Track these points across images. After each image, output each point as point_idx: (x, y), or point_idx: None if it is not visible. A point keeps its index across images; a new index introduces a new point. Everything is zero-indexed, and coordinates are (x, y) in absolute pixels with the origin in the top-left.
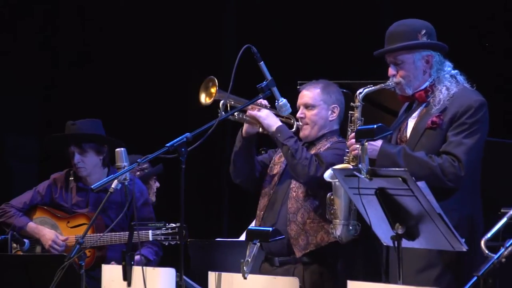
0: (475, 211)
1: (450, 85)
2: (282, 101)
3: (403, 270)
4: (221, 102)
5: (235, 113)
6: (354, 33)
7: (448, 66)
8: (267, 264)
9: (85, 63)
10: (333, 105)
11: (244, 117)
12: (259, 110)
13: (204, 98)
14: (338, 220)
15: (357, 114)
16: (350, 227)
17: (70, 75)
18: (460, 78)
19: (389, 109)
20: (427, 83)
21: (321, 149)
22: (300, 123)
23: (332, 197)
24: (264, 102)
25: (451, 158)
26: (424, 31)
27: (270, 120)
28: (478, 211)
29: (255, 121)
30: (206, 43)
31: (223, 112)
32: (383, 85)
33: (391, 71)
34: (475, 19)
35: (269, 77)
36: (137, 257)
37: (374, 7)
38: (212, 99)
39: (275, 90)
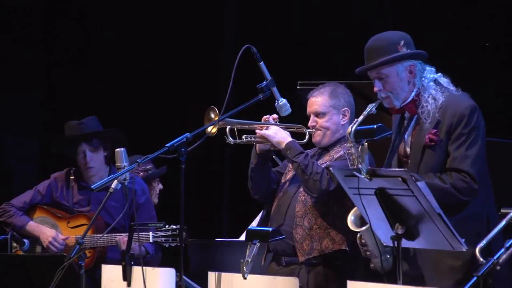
0: (490, 212)
1: (435, 94)
2: (282, 101)
3: (440, 282)
4: (227, 127)
5: (243, 137)
6: (354, 33)
7: (430, 72)
8: (274, 264)
9: (84, 63)
10: (344, 109)
11: (253, 138)
12: (267, 128)
13: (210, 128)
14: (376, 259)
15: (355, 153)
16: (388, 256)
17: (69, 76)
18: (444, 80)
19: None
20: (413, 94)
21: (334, 156)
22: (313, 130)
23: (362, 237)
24: (271, 117)
25: (462, 175)
26: (402, 42)
27: (279, 137)
28: (493, 211)
29: (265, 140)
30: (206, 43)
31: (230, 138)
32: (365, 113)
33: (376, 87)
34: (474, 19)
35: (269, 77)
36: (136, 246)
37: (374, 7)
38: (216, 127)
39: (275, 90)
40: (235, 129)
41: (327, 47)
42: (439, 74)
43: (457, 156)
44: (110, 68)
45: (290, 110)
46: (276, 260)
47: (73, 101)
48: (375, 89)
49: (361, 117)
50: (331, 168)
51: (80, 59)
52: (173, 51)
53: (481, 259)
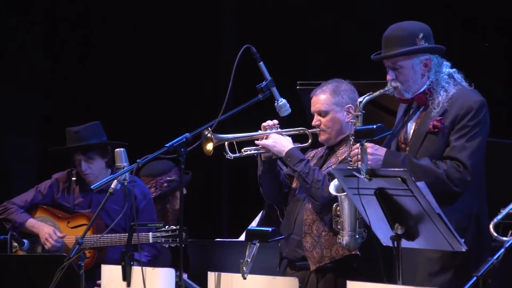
0: (481, 210)
1: (448, 86)
2: (282, 101)
3: (416, 273)
4: (226, 143)
5: (243, 150)
6: (354, 33)
7: (446, 67)
8: (289, 268)
9: (85, 63)
10: (347, 106)
11: (254, 150)
12: (267, 137)
13: (210, 147)
14: (345, 232)
15: (358, 123)
16: (357, 236)
17: (70, 75)
18: (458, 76)
19: (389, 109)
20: (425, 86)
21: (339, 158)
22: (317, 130)
23: (338, 208)
24: (272, 122)
25: (456, 164)
26: (422, 35)
27: (278, 146)
28: (484, 211)
29: (266, 149)
30: (205, 43)
31: (229, 153)
32: (382, 90)
33: (389, 76)
34: (474, 18)
35: (268, 77)
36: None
37: (374, 7)
38: (212, 145)
39: (274, 90)
40: (234, 143)
41: (327, 47)
42: (454, 69)
43: (456, 145)
44: (111, 68)
45: (290, 110)
46: (290, 265)
47: (73, 102)
48: (388, 77)
49: (377, 93)
50: (332, 170)
51: (81, 60)
52: (173, 51)
53: (495, 234)
